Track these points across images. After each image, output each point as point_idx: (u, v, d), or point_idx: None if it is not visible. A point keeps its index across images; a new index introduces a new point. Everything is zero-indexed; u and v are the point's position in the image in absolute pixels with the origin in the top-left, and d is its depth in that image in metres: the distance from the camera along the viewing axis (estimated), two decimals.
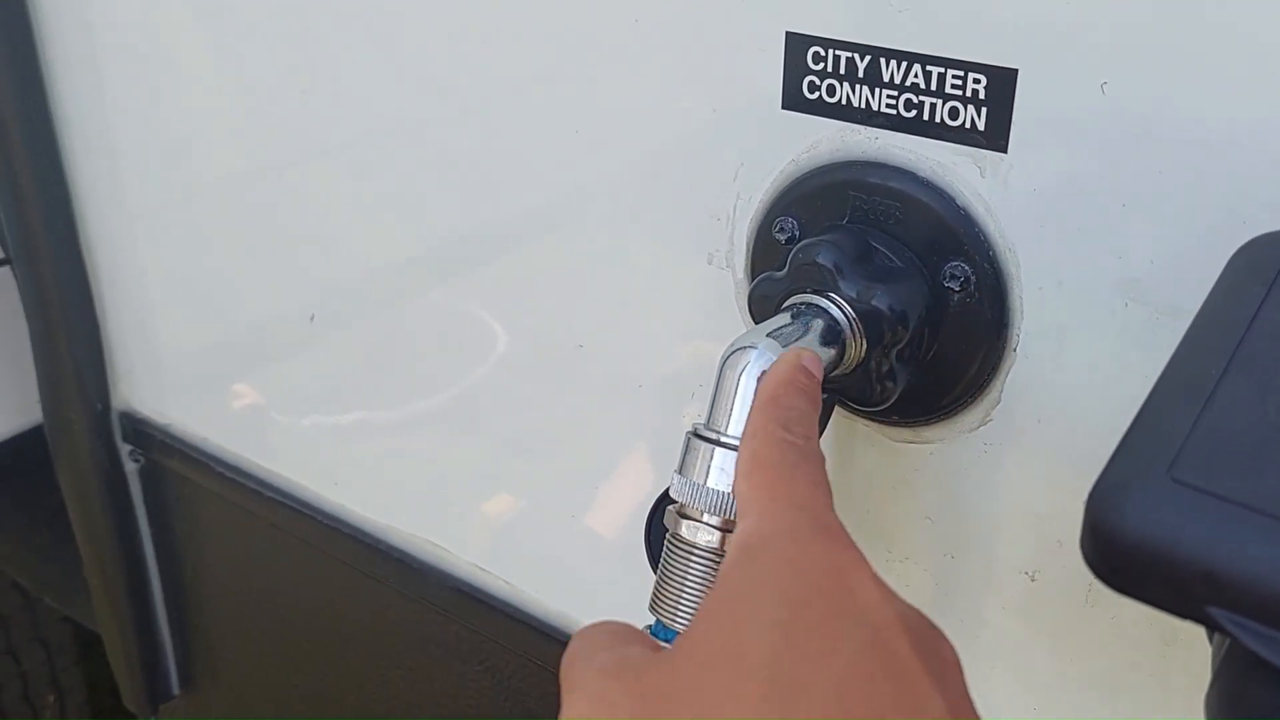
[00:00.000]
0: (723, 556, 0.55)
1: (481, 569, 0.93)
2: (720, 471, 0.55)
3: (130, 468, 1.16)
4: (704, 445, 0.56)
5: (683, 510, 0.56)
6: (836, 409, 0.66)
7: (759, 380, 0.55)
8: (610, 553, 0.85)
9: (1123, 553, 0.39)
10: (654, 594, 0.58)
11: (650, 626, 0.58)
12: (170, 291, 1.06)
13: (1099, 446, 0.59)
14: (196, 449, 1.09)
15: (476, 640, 0.96)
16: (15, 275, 1.10)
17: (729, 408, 0.56)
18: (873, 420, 0.66)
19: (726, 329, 0.68)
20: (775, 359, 0.55)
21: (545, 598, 0.90)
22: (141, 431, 1.13)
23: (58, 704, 1.91)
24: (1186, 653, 0.61)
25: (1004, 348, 0.60)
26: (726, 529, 0.55)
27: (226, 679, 1.24)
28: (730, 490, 0.55)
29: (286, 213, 0.93)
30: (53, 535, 1.42)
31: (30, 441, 1.29)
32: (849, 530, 0.66)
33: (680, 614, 0.56)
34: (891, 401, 0.61)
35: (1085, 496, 0.61)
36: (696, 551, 0.56)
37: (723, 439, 0.56)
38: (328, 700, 1.13)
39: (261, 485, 1.05)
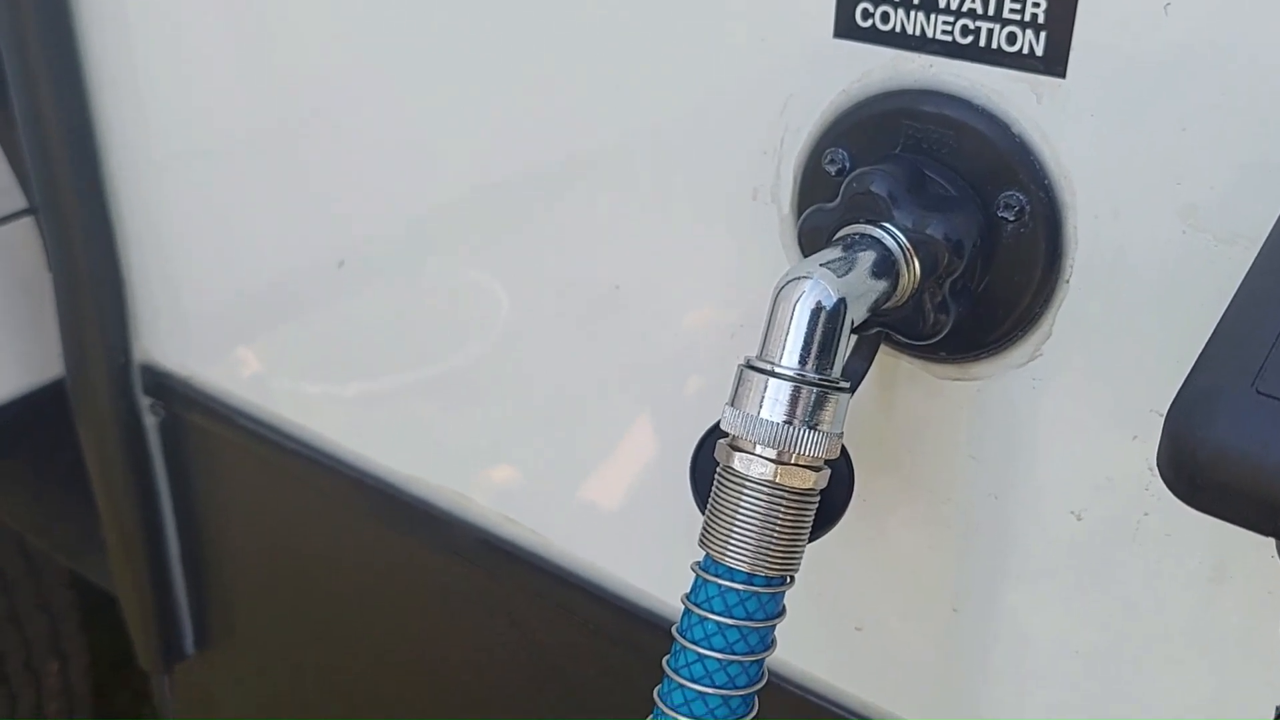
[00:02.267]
0: (776, 488, 0.55)
1: (509, 519, 0.92)
2: (774, 403, 0.55)
3: (150, 421, 1.15)
4: (757, 377, 0.55)
5: (735, 443, 0.56)
6: (881, 347, 0.65)
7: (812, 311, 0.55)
8: (643, 501, 0.85)
9: (1206, 464, 0.39)
10: (704, 528, 0.57)
11: (699, 563, 0.57)
12: (194, 242, 1.05)
13: (1153, 379, 0.59)
14: (218, 401, 1.09)
15: (502, 592, 0.95)
16: (39, 225, 1.08)
17: (783, 339, 0.55)
18: (918, 358, 0.65)
19: (770, 266, 0.67)
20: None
21: (574, 548, 0.89)
22: (163, 384, 1.12)
23: (61, 672, 1.89)
24: (1235, 589, 0.61)
25: (1057, 279, 0.59)
26: (780, 461, 0.55)
27: (243, 638, 1.23)
28: (782, 421, 0.55)
29: (315, 160, 0.92)
30: (67, 494, 1.41)
31: (45, 398, 1.28)
32: (889, 472, 0.66)
33: (731, 548, 0.56)
34: (943, 334, 0.60)
35: (1136, 432, 0.60)
36: (749, 484, 0.55)
37: (776, 370, 0.55)
38: (347, 657, 1.13)
39: (284, 437, 1.05)
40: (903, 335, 0.61)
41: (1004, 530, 0.67)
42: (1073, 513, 0.64)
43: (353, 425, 1.00)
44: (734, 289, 0.71)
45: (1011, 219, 0.58)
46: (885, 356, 0.66)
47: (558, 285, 0.81)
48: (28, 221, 1.18)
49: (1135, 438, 0.60)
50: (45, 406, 1.28)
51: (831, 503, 0.60)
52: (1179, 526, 0.61)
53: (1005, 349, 0.63)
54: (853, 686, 0.77)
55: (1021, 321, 0.61)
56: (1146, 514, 0.62)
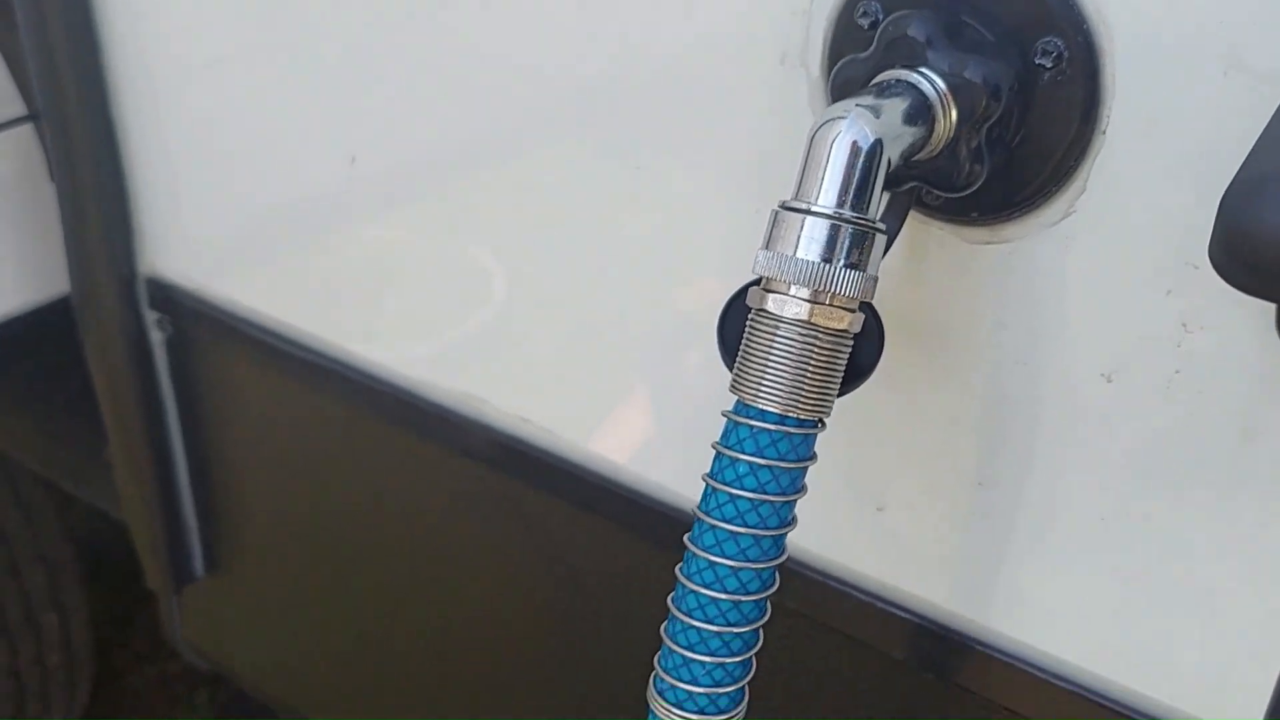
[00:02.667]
0: (810, 329, 0.54)
1: (524, 420, 0.92)
2: (811, 241, 0.54)
3: (156, 337, 1.14)
4: (793, 216, 0.55)
5: (769, 285, 0.55)
6: (911, 213, 0.64)
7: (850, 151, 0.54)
8: (661, 396, 0.84)
9: (1263, 245, 0.38)
10: (736, 374, 0.57)
11: (729, 409, 0.57)
12: (200, 148, 1.04)
13: (1190, 230, 0.58)
14: (226, 312, 1.08)
15: (517, 493, 0.95)
16: (41, 133, 1.07)
17: (819, 178, 0.55)
18: (949, 222, 0.65)
19: (798, 133, 0.66)
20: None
21: (590, 444, 0.89)
22: (169, 298, 1.11)
23: (61, 624, 1.89)
24: (1266, 447, 0.60)
25: (1093, 130, 0.59)
26: (815, 301, 0.54)
27: (254, 558, 1.23)
28: (819, 260, 0.54)
29: (324, 55, 0.91)
30: (70, 418, 1.40)
31: (47, 317, 1.26)
32: (915, 344, 0.65)
33: (763, 391, 0.55)
34: (977, 185, 0.60)
35: (1171, 287, 0.60)
36: (783, 324, 0.55)
37: (813, 209, 0.54)
38: (361, 569, 1.12)
39: (294, 346, 1.04)
40: (936, 187, 0.61)
41: (1032, 398, 0.66)
42: (1103, 375, 0.64)
43: (366, 331, 1.00)
44: (760, 160, 0.71)
45: (1049, 66, 0.57)
46: (915, 224, 0.66)
47: (575, 172, 0.80)
48: (27, 129, 1.17)
49: (1169, 293, 0.60)
50: (47, 326, 1.26)
51: (861, 356, 0.59)
52: (1210, 384, 0.61)
53: (1038, 207, 0.62)
54: (874, 569, 0.77)
55: (1056, 176, 0.60)
56: (1178, 371, 0.61)
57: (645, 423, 0.86)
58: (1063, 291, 0.63)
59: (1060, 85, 0.58)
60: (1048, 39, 0.57)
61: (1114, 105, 0.58)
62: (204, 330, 1.11)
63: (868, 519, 0.75)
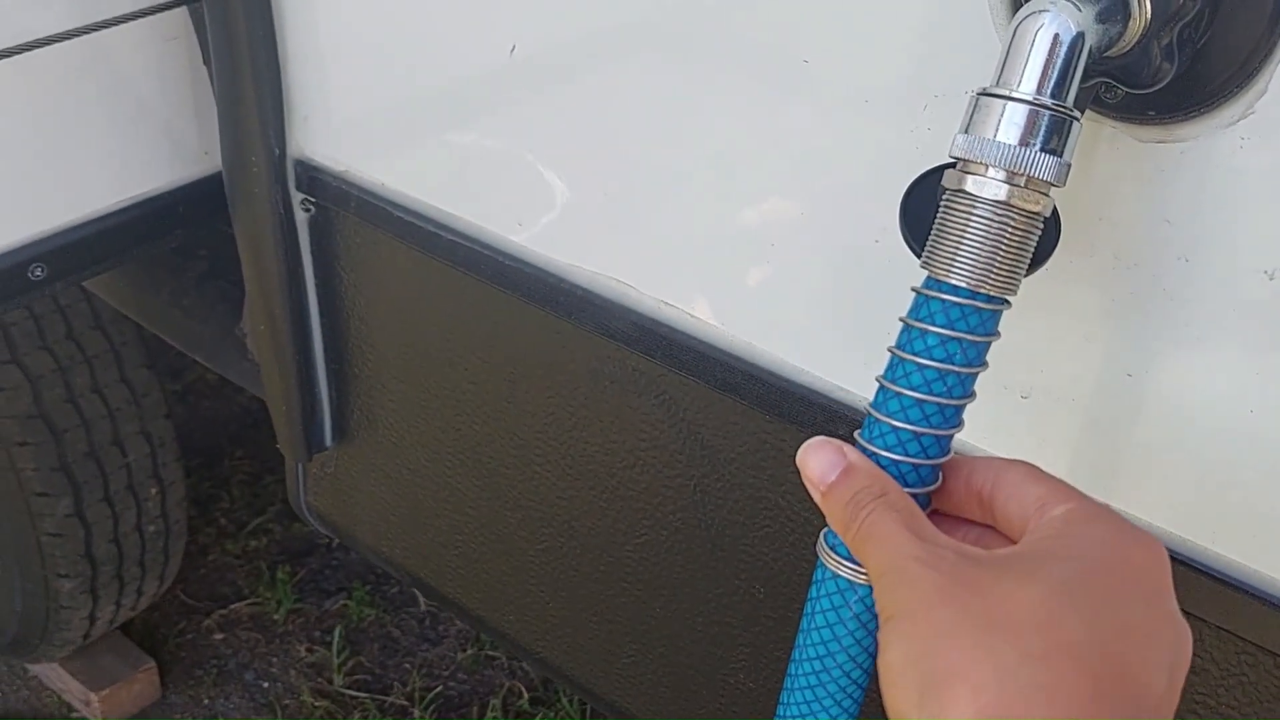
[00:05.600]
0: (1007, 209, 0.58)
1: (666, 304, 0.96)
2: (1011, 125, 0.57)
3: (300, 217, 1.19)
4: (994, 102, 0.58)
5: (967, 167, 0.59)
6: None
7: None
8: (811, 283, 0.88)
9: None
10: (928, 252, 0.60)
11: (919, 285, 0.60)
12: (353, 29, 1.07)
13: None
14: (372, 194, 1.12)
15: (655, 373, 0.99)
16: (195, 17, 1.11)
17: (1021, 67, 0.58)
18: (1123, 120, 0.67)
19: (971, 32, 0.69)
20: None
21: (733, 330, 0.93)
22: (315, 179, 1.16)
23: (160, 497, 1.98)
24: None
25: (1279, 34, 0.61)
26: (1013, 183, 0.58)
27: (383, 431, 1.29)
28: (1017, 144, 0.57)
29: None
30: (202, 298, 1.47)
31: (180, 198, 1.31)
32: (1077, 238, 0.68)
33: (955, 267, 0.59)
34: (1164, 83, 0.62)
35: None
36: (980, 204, 0.58)
37: (1013, 95, 0.57)
38: (490, 445, 1.18)
39: (440, 228, 1.08)
40: (1123, 83, 0.63)
41: (1191, 292, 0.69)
42: (1265, 272, 0.67)
43: (510, 214, 1.04)
44: (926, 60, 0.73)
45: None
46: (1088, 121, 0.68)
47: (740, 61, 0.83)
48: (179, 13, 1.21)
49: None
50: (181, 206, 1.32)
51: (1042, 244, 0.63)
52: None
53: (1217, 107, 0.64)
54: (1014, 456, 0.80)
55: (1238, 78, 0.63)
56: None
57: (785, 308, 0.90)
58: (1231, 189, 0.66)
59: None
60: None
61: None
62: (349, 212, 1.16)
63: (1011, 406, 0.79)
